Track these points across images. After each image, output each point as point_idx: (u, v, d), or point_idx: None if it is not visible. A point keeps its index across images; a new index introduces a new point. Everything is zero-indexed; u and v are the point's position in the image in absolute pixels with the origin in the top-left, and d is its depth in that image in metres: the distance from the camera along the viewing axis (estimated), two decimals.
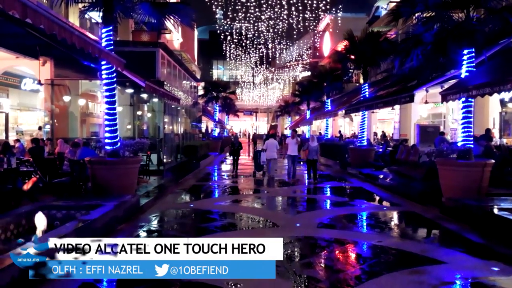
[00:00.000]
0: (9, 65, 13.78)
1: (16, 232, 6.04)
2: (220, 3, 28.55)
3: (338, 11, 31.54)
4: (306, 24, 30.25)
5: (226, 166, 21.54)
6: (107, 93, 9.14)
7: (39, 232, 5.71)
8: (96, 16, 17.39)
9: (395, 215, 9.31)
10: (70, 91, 16.40)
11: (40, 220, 5.80)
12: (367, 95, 17.79)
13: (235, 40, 42.04)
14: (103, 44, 9.08)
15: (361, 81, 18.85)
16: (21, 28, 8.22)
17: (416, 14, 11.01)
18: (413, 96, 13.28)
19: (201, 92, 39.01)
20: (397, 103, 14.74)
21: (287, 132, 46.82)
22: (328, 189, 12.82)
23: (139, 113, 24.47)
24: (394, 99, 14.09)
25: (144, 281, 4.80)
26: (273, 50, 41.96)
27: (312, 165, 14.14)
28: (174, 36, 37.04)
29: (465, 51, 9.43)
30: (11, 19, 7.21)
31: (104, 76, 9.20)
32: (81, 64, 11.42)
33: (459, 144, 9.22)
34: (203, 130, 38.42)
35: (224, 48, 45.11)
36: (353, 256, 6.15)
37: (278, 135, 34.19)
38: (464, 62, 9.49)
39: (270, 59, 49.22)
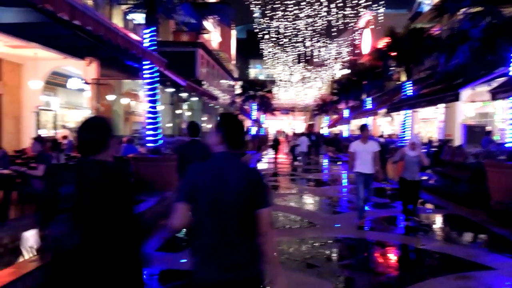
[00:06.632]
0: (57, 65, 14.40)
1: None
2: (258, 2, 28.62)
3: (379, 7, 30.87)
4: (346, 21, 29.81)
5: (263, 165, 21.60)
6: (150, 92, 9.38)
7: None
8: (138, 17, 17.92)
9: (439, 218, 8.98)
10: (114, 90, 17.00)
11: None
12: (410, 93, 17.29)
13: (273, 39, 42.07)
14: (146, 44, 9.33)
15: (403, 79, 18.33)
16: (69, 29, 8.57)
17: (462, 10, 10.58)
18: (459, 95, 12.77)
19: (238, 91, 39.30)
20: (441, 102, 14.25)
21: (324, 131, 46.24)
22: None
23: (178, 111, 24.99)
24: (439, 98, 13.62)
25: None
26: (311, 48, 41.63)
27: (412, 191, 7.48)
28: (212, 36, 37.52)
29: None
30: (60, 21, 7.54)
31: (146, 76, 9.45)
32: (124, 64, 11.79)
33: (508, 145, 8.77)
34: None
35: (261, 47, 45.24)
36: (395, 259, 5.98)
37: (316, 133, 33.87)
38: None
39: (307, 57, 48.86)
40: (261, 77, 63.36)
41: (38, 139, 7.44)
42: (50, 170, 2.18)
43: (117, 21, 18.23)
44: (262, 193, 2.25)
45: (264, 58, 51.70)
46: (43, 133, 13.92)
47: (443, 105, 18.30)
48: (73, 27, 8.07)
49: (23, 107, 14.09)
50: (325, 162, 23.40)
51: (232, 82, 41.89)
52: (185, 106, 25.80)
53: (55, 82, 15.77)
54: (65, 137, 13.58)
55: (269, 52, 47.38)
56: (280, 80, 58.79)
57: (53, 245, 2.02)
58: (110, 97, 16.69)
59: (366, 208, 7.90)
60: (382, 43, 20.54)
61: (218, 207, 2.19)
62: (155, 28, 9.60)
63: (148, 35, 9.47)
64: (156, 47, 9.53)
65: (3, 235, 4.97)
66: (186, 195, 2.21)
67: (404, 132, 17.09)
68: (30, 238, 4.84)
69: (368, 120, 26.52)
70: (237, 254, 2.19)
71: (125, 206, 2.16)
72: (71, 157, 9.80)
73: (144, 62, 9.30)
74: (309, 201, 10.71)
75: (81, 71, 14.46)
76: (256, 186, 2.24)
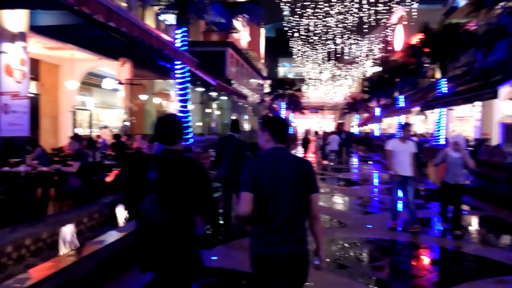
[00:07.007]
0: (92, 66, 14.85)
1: (100, 221, 6.51)
2: (288, 0, 28.49)
3: (412, 2, 30.09)
4: (378, 17, 29.23)
5: None
6: (181, 92, 9.52)
7: (120, 222, 6.11)
8: (169, 18, 18.22)
9: (476, 220, 8.67)
10: (147, 90, 17.36)
11: (121, 211, 6.21)
12: (445, 91, 16.79)
13: (302, 37, 41.75)
14: (178, 44, 9.47)
15: (437, 76, 17.80)
16: (104, 31, 8.83)
17: (501, 4, 10.17)
18: (497, 92, 12.28)
19: (267, 89, 39.26)
20: (478, 100, 13.75)
21: (355, 130, 45.54)
22: (401, 190, 12.25)
23: (208, 110, 25.26)
24: (475, 95, 13.15)
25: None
26: (342, 45, 41.05)
27: (454, 198, 6.90)
28: (241, 35, 37.68)
29: None
30: (96, 23, 7.77)
31: (178, 76, 9.59)
32: (157, 64, 12.02)
33: None
34: None
35: (290, 45, 44.99)
36: (429, 261, 5.82)
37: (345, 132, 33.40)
38: None
39: (338, 55, 48.24)
40: (290, 76, 63.03)
41: (76, 137, 7.69)
42: (139, 159, 2.70)
43: (149, 22, 18.60)
44: (312, 180, 2.63)
45: (294, 56, 51.41)
46: (79, 131, 14.39)
47: (480, 103, 17.67)
48: (108, 29, 8.31)
49: (60, 106, 14.61)
50: (355, 161, 23.07)
51: (261, 81, 41.94)
52: (214, 105, 26.06)
53: (91, 82, 16.26)
54: (99, 136, 13.99)
55: (299, 50, 47.06)
56: (310, 79, 58.30)
57: (146, 219, 2.41)
58: (143, 97, 17.06)
59: (397, 209, 7.71)
60: (415, 39, 20.04)
61: (276, 195, 2.53)
62: (186, 28, 9.73)
63: (179, 35, 9.61)
64: (187, 47, 9.65)
65: (42, 230, 5.17)
66: (248, 186, 2.54)
67: (438, 131, 16.62)
68: (68, 233, 5.01)
69: (400, 119, 25.92)
70: (296, 229, 2.57)
71: (200, 189, 2.55)
72: (106, 155, 10.08)
73: (176, 62, 9.44)
74: (339, 201, 10.58)
75: (115, 71, 14.85)
76: (307, 174, 2.61)
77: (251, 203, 2.52)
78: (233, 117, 20.19)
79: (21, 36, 8.89)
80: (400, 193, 7.24)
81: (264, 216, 2.54)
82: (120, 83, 14.74)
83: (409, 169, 6.89)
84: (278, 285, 2.58)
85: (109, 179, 8.13)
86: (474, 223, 8.39)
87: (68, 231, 4.99)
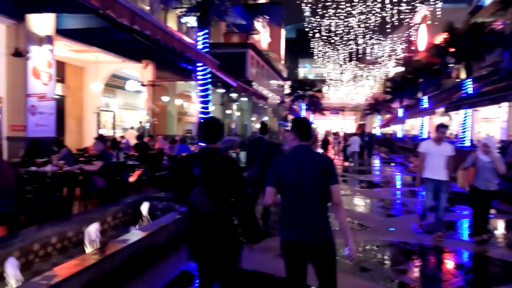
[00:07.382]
0: (116, 68, 15.14)
1: (124, 220, 6.63)
2: (309, 1, 28.37)
3: (436, 1, 29.53)
4: (401, 17, 28.79)
5: None
6: (202, 93, 9.59)
7: (143, 221, 6.20)
8: (191, 20, 18.41)
9: (502, 223, 8.42)
10: (169, 92, 17.57)
11: (144, 210, 6.30)
12: (470, 91, 16.41)
13: (323, 37, 41.47)
14: (199, 47, 9.55)
15: (462, 76, 17.41)
16: (127, 34, 8.99)
17: None
18: None
19: (287, 90, 39.15)
20: (505, 100, 13.40)
21: (376, 131, 44.90)
22: (433, 195, 11.98)
23: (228, 111, 25.37)
24: (502, 96, 12.81)
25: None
26: (364, 45, 40.60)
27: (485, 204, 6.52)
28: (262, 36, 37.71)
29: None
30: (120, 26, 7.92)
31: (199, 77, 9.67)
32: (178, 66, 12.16)
33: None
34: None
35: (311, 46, 44.76)
36: (454, 265, 5.69)
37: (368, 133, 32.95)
38: None
39: (359, 55, 47.72)
40: (311, 77, 62.69)
41: (100, 138, 7.84)
42: (183, 158, 3.02)
43: (171, 24, 18.83)
44: (332, 173, 2.87)
45: (314, 57, 51.14)
46: (103, 132, 14.68)
47: (506, 103, 17.20)
48: (131, 32, 8.46)
49: (84, 108, 14.94)
50: (377, 163, 22.76)
51: (281, 82, 41.88)
52: (235, 106, 26.15)
53: (114, 84, 16.57)
54: (122, 137, 14.25)
55: (319, 51, 46.81)
56: (330, 79, 57.87)
57: (194, 208, 2.73)
58: (165, 98, 17.28)
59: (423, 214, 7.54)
60: (439, 39, 19.68)
61: (300, 186, 2.82)
62: (207, 30, 9.80)
63: (201, 38, 9.69)
64: (208, 49, 9.72)
65: (68, 229, 5.29)
66: (273, 181, 2.91)
67: (464, 132, 16.25)
68: (93, 232, 5.12)
69: (424, 120, 25.45)
70: (316, 221, 2.83)
71: (237, 182, 2.81)
72: (129, 155, 10.25)
73: (197, 64, 9.52)
74: (361, 203, 10.46)
75: (138, 73, 15.09)
76: (327, 167, 2.85)
77: (273, 196, 2.91)
78: (254, 119, 20.21)
79: (48, 39, 9.14)
80: (432, 198, 6.79)
81: (287, 208, 2.87)
82: (143, 85, 14.98)
83: (443, 173, 6.39)
84: (303, 268, 2.90)
85: (132, 179, 8.27)
86: (500, 227, 8.16)
87: (92, 229, 5.10)
